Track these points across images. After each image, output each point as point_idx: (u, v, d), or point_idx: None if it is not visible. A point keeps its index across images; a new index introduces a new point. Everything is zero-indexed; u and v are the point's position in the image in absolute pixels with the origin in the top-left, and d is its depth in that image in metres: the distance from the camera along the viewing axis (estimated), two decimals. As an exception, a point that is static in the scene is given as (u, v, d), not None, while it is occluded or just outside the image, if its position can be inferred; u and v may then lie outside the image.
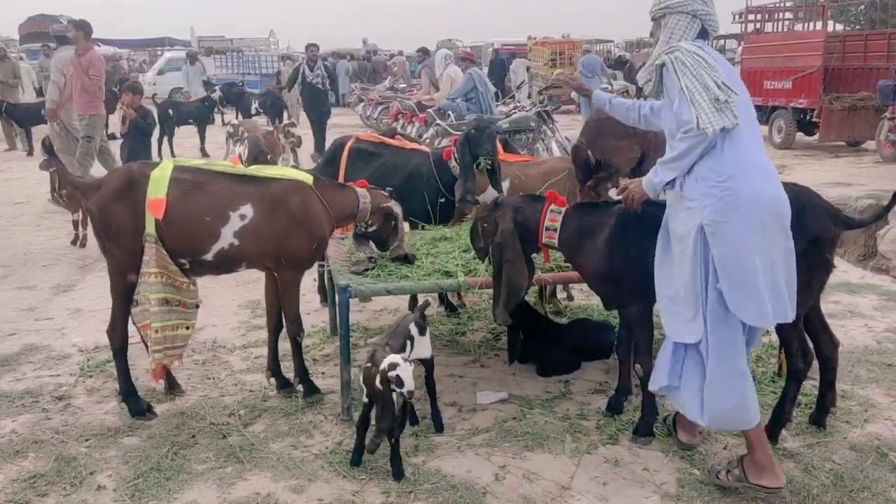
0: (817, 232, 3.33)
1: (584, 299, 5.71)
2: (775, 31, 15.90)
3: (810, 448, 3.56)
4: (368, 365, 3.35)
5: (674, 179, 3.15)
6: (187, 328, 3.98)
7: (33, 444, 3.72)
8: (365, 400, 3.41)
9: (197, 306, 4.03)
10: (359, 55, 33.37)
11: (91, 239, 7.15)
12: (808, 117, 13.01)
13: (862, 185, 8.96)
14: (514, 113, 11.88)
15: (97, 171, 8.52)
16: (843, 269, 6.66)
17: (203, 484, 3.35)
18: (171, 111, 14.08)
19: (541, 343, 4.50)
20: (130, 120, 8.28)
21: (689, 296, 3.11)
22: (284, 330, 4.16)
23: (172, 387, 4.24)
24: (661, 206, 3.52)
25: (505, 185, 5.13)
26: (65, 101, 8.76)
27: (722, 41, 23.83)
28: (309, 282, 5.68)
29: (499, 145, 5.61)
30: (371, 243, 4.25)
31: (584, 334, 4.63)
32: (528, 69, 22.88)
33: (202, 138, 14.47)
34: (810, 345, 3.61)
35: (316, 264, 4.72)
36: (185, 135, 15.00)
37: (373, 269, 4.10)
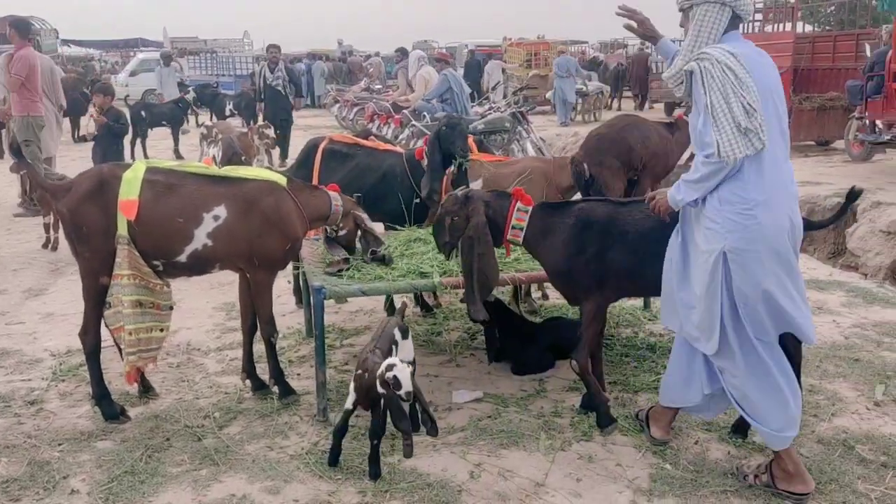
0: None
1: (559, 298, 5.75)
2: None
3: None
4: (360, 372, 3.29)
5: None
6: (161, 330, 3.96)
7: (5, 448, 3.68)
8: (349, 406, 3.36)
9: (171, 308, 4.01)
10: (334, 56, 33.30)
11: (63, 242, 7.07)
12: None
13: (831, 184, 9.11)
14: (490, 114, 11.93)
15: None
16: (812, 267, 6.78)
17: (178, 486, 3.34)
18: (143, 113, 13.96)
19: (516, 342, 4.53)
20: (101, 125, 8.17)
21: (707, 313, 3.13)
22: (259, 332, 4.16)
23: (146, 390, 4.22)
24: (620, 205, 3.58)
25: (478, 184, 5.16)
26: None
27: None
28: (284, 284, 5.68)
29: (473, 145, 5.66)
30: (340, 249, 4.26)
31: (559, 333, 4.66)
32: (503, 70, 22.95)
33: (176, 140, 14.35)
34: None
35: (291, 266, 4.72)
36: (159, 136, 14.87)
37: (347, 269, 4.12)
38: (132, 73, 28.50)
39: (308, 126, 19.94)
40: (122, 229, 3.68)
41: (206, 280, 5.66)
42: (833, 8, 19.14)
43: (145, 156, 13.07)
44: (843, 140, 11.95)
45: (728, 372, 3.21)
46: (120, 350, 3.96)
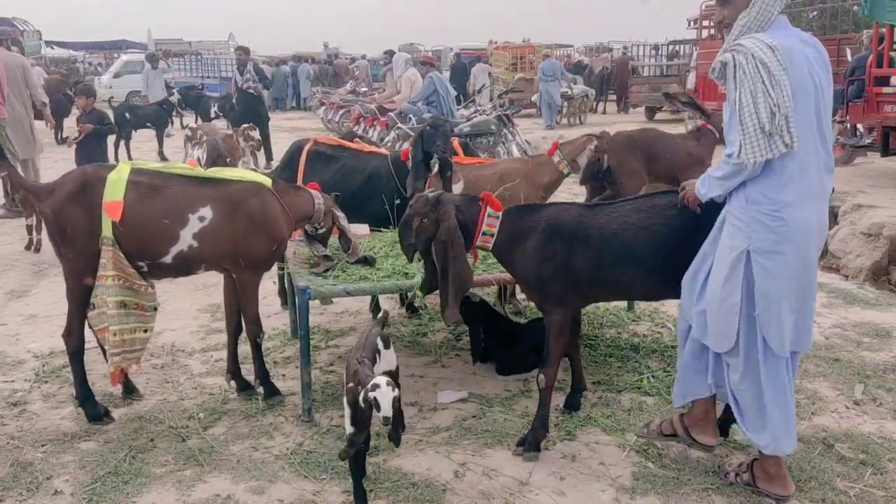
0: None
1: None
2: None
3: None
4: (352, 385, 3.11)
5: None
6: (145, 331, 3.96)
7: (-13, 450, 3.67)
8: (350, 429, 3.10)
9: (155, 309, 4.01)
10: (320, 58, 33.26)
11: (46, 244, 7.04)
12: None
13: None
14: (475, 116, 11.97)
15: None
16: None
17: (162, 487, 3.33)
18: (128, 114, 13.89)
19: (501, 342, 4.55)
20: (86, 132, 8.10)
21: (722, 308, 3.07)
22: (244, 333, 4.16)
23: (130, 391, 4.21)
24: (591, 209, 3.56)
25: (459, 187, 5.19)
26: None
27: (677, 47, 24.24)
28: (269, 285, 5.68)
29: (458, 148, 5.68)
30: (320, 245, 4.27)
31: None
32: (489, 74, 23.02)
33: (160, 142, 14.30)
34: None
35: (276, 267, 4.73)
36: (143, 138, 14.81)
37: (333, 266, 4.13)
38: (116, 75, 28.32)
39: (294, 128, 19.92)
40: (107, 230, 3.67)
41: (190, 282, 5.65)
42: (815, 13, 19.32)
43: (129, 157, 12.99)
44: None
45: (733, 368, 3.17)
46: (104, 351, 3.95)
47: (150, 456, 3.59)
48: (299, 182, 5.07)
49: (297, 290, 3.91)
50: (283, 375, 4.53)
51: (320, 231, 4.25)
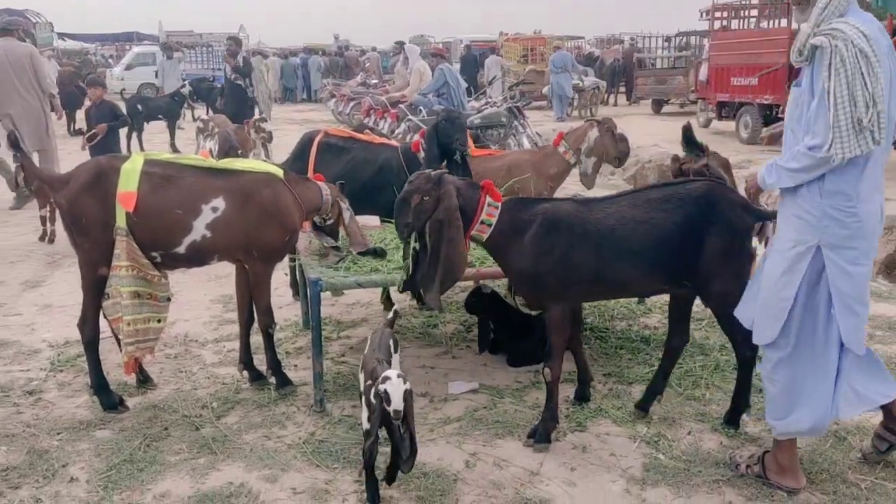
0: (738, 224, 3.42)
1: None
2: (742, 28, 16.13)
3: (770, 433, 3.66)
4: (370, 383, 3.05)
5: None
6: (159, 321, 3.99)
7: (5, 437, 3.71)
8: (367, 426, 3.06)
9: (168, 300, 4.04)
10: (330, 51, 33.26)
11: (59, 235, 7.10)
12: (773, 113, 13.21)
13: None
14: (486, 109, 11.95)
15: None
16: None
17: (176, 475, 3.37)
18: (140, 106, 13.95)
19: (511, 334, 4.57)
20: (102, 132, 8.14)
21: (774, 300, 3.02)
22: (256, 323, 4.18)
23: (144, 380, 4.25)
24: (588, 205, 3.52)
25: (467, 179, 5.19)
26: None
27: (686, 38, 24.11)
28: (281, 276, 5.71)
29: (469, 139, 5.68)
30: (328, 237, 4.29)
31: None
32: (501, 66, 22.99)
33: (172, 134, 14.35)
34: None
35: (287, 258, 4.75)
36: (155, 130, 14.86)
37: (343, 257, 4.15)
38: (128, 67, 28.44)
39: (304, 120, 19.95)
40: (121, 221, 3.70)
41: (203, 273, 5.69)
42: (828, 4, 19.22)
43: (142, 149, 13.06)
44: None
45: (766, 359, 3.13)
46: (118, 341, 3.99)
47: (165, 444, 3.63)
48: (310, 174, 5.09)
49: (309, 282, 3.93)
50: (295, 366, 4.56)
51: (328, 222, 4.27)
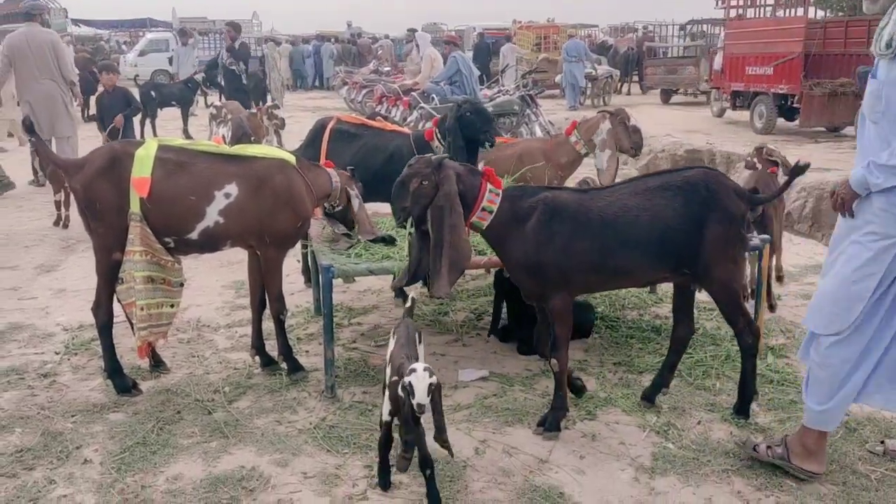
0: (732, 210, 3.43)
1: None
2: (757, 17, 15.99)
3: (781, 423, 3.67)
4: (395, 378, 3.02)
5: None
6: (172, 306, 4.02)
7: (19, 419, 3.76)
8: (386, 418, 3.09)
9: (181, 285, 4.07)
10: (343, 38, 33.22)
11: (74, 220, 7.16)
12: (788, 103, 13.13)
13: (839, 170, 9.10)
14: (498, 97, 11.92)
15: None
16: (819, 252, 6.79)
17: (188, 458, 3.41)
18: (153, 93, 14.01)
19: (523, 322, 4.57)
20: (120, 125, 8.20)
21: (849, 293, 2.97)
22: (268, 309, 4.21)
23: (158, 364, 4.29)
24: (588, 194, 3.51)
25: (479, 167, 5.18)
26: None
27: (700, 27, 23.93)
28: (293, 263, 5.73)
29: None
30: (339, 223, 4.30)
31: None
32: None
33: (185, 120, 14.40)
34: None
35: (299, 245, 4.76)
36: (168, 117, 14.92)
37: (353, 243, 4.16)
38: (141, 53, 28.53)
39: (316, 107, 19.97)
40: (135, 206, 3.72)
41: (215, 258, 5.72)
42: (847, -7, 19.02)
43: (155, 135, 13.10)
44: (854, 126, 11.90)
45: (823, 345, 3.08)
46: (132, 325, 4.02)
47: (177, 427, 3.66)
48: (322, 160, 5.10)
49: (321, 269, 3.95)
50: (307, 352, 4.58)
51: (337, 209, 4.28)
